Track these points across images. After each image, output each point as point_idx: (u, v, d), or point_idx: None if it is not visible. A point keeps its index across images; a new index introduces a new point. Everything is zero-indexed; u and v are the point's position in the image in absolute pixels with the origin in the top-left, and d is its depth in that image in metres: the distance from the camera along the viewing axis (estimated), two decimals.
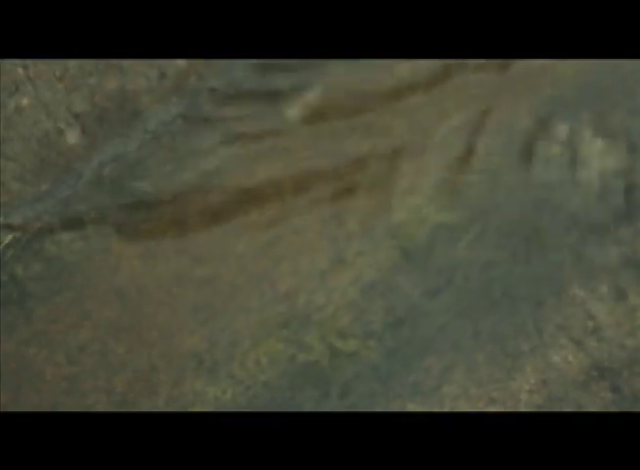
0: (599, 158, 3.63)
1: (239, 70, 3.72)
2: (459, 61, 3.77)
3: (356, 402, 2.89)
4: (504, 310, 3.14)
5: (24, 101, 3.46)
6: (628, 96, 3.81)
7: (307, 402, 2.90)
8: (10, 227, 3.36)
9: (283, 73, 3.73)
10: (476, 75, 3.75)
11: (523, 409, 2.88)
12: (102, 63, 3.49)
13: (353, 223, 3.43)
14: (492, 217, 3.45)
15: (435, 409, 2.88)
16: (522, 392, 2.93)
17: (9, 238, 3.34)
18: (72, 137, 3.49)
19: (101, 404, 2.89)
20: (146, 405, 2.88)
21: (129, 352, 3.03)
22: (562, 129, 3.66)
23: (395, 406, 2.89)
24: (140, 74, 3.58)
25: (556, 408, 2.87)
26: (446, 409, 2.88)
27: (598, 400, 2.90)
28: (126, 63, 3.54)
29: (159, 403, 2.89)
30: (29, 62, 3.42)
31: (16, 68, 3.43)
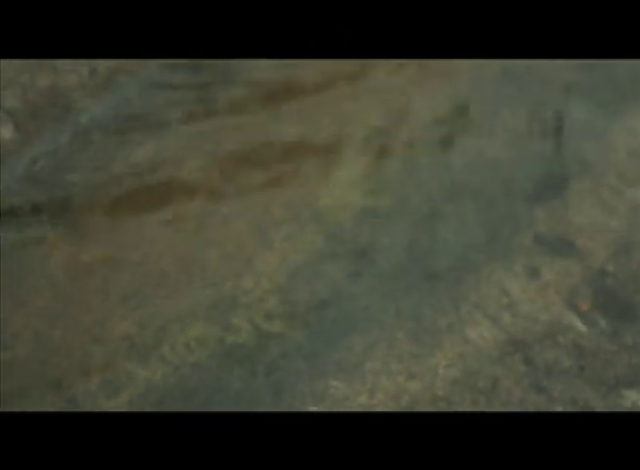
0: (513, 144, 3.75)
1: (166, 65, 3.80)
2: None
3: (281, 380, 2.97)
4: (423, 290, 3.24)
5: None
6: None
7: (234, 382, 2.97)
8: None
9: (210, 67, 3.81)
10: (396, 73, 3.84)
11: (440, 384, 2.97)
12: (34, 61, 3.55)
13: (280, 210, 3.54)
14: (413, 201, 3.57)
15: (358, 385, 2.96)
16: (439, 367, 3.01)
17: None
18: (6, 132, 3.54)
19: (36, 389, 2.94)
20: (79, 388, 2.94)
21: (63, 337, 3.09)
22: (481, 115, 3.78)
23: (319, 383, 2.96)
24: (71, 71, 3.65)
25: (471, 382, 2.96)
26: (368, 385, 2.96)
27: (512, 374, 2.99)
28: (58, 61, 3.60)
29: (91, 387, 2.95)
30: None
31: None
